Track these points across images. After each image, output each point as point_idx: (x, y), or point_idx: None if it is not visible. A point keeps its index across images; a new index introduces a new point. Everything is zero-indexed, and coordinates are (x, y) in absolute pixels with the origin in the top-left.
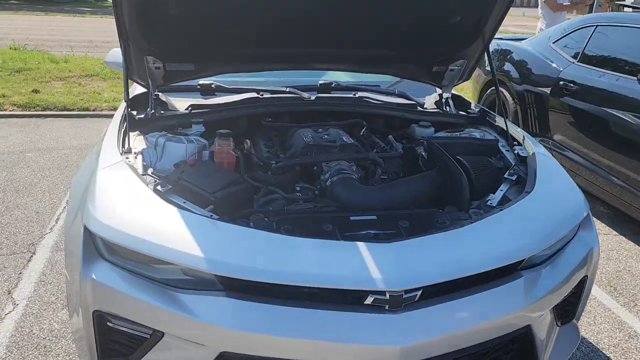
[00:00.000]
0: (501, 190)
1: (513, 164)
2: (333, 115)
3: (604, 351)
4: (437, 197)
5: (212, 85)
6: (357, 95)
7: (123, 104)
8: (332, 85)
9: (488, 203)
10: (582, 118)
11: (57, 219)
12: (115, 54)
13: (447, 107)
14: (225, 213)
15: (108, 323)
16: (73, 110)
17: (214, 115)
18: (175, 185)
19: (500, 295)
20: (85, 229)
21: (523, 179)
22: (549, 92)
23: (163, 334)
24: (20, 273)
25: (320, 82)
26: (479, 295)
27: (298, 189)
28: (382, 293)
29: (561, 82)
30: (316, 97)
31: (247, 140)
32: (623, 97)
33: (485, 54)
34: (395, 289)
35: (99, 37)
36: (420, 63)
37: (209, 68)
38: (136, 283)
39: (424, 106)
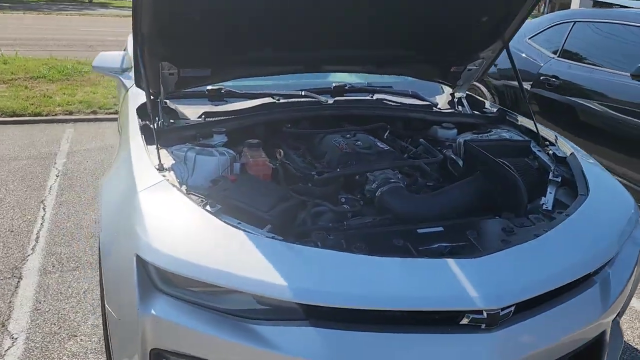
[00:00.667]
0: (550, 192)
1: (551, 164)
2: (352, 118)
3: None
4: (486, 202)
5: (222, 91)
6: (374, 98)
7: (132, 113)
8: (346, 87)
9: (543, 207)
10: (565, 112)
11: (37, 237)
12: (105, 58)
13: (460, 107)
14: (282, 232)
15: None
16: (24, 115)
17: (234, 123)
18: (224, 204)
19: (582, 304)
20: (139, 258)
21: (567, 180)
22: (529, 87)
23: None
24: (10, 302)
25: (334, 84)
26: (564, 305)
27: (343, 200)
28: (479, 312)
29: (542, 77)
30: (334, 101)
31: (280, 149)
32: (606, 91)
33: (507, 53)
34: (493, 307)
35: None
36: (439, 63)
37: (225, 73)
38: (200, 315)
39: (438, 106)
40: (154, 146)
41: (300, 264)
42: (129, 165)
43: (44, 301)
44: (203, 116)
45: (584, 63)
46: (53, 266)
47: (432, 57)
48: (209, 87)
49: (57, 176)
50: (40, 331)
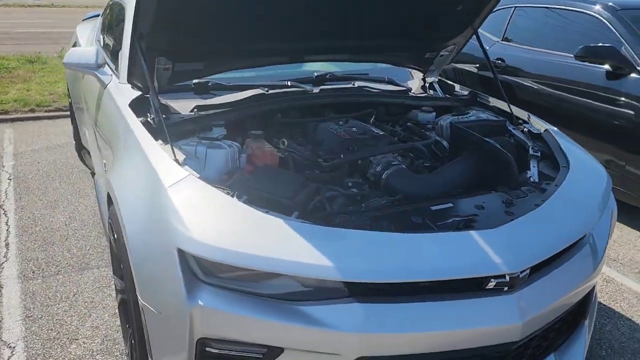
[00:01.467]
0: (534, 166)
1: (527, 141)
2: (338, 106)
3: None
4: (481, 178)
5: (209, 84)
6: (356, 85)
7: (126, 109)
8: (327, 76)
9: (531, 180)
10: (512, 93)
11: (7, 244)
12: (77, 54)
13: (432, 91)
14: (308, 217)
15: (213, 350)
16: None
17: (231, 116)
18: (249, 194)
19: (580, 262)
20: (181, 252)
21: (546, 154)
22: (476, 69)
23: (282, 349)
24: None
25: (315, 73)
26: (565, 265)
27: (350, 184)
28: (503, 276)
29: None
30: (320, 90)
31: (283, 139)
32: (551, 72)
33: (476, 38)
34: (514, 271)
35: None
36: (415, 50)
37: (217, 66)
38: (246, 302)
39: (412, 91)
40: (160, 142)
41: (338, 244)
42: (145, 162)
43: (34, 308)
44: (195, 110)
45: (528, 46)
46: (33, 272)
47: (409, 44)
48: (196, 81)
49: (10, 180)
50: (38, 338)
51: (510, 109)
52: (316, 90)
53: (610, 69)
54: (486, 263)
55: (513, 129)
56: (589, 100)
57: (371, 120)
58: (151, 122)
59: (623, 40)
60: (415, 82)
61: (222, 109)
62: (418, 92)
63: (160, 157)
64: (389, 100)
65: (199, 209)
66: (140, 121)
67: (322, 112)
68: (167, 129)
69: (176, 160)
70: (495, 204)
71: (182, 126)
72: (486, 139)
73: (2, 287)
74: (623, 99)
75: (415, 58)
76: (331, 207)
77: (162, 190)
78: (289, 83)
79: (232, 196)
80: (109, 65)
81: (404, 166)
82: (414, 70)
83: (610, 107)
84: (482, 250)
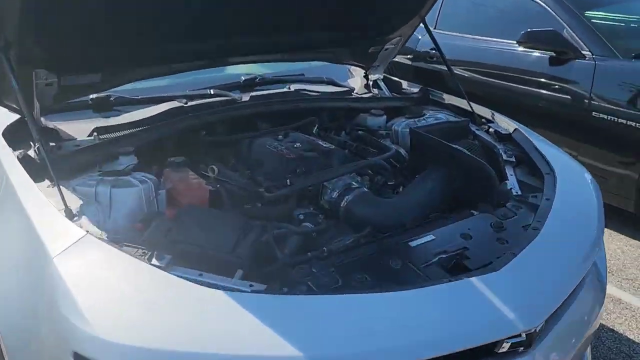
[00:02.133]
0: (511, 175)
1: (495, 143)
2: (273, 115)
3: None
4: (454, 195)
5: (111, 99)
6: (292, 89)
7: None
8: (257, 79)
9: (513, 193)
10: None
11: None
12: None
13: (377, 90)
14: (256, 275)
15: None
16: None
17: (141, 139)
18: (173, 251)
19: (589, 295)
20: (79, 357)
21: (521, 158)
22: (410, 60)
23: None
24: None
25: (243, 77)
26: (576, 303)
27: (301, 217)
28: (518, 335)
29: (422, 50)
30: (250, 97)
31: (212, 166)
32: (491, 60)
33: (425, 27)
34: (531, 327)
35: None
36: (356, 44)
37: (119, 76)
38: None
39: (355, 92)
40: (47, 183)
41: (303, 322)
42: (22, 218)
43: None
44: (95, 134)
45: (466, 34)
46: None
47: (348, 38)
48: (93, 96)
49: None
50: None
51: (471, 107)
52: (245, 97)
53: (554, 55)
54: (497, 323)
55: (476, 129)
56: (535, 89)
57: (314, 130)
58: (34, 156)
59: (564, 24)
60: (356, 80)
61: (130, 130)
62: (362, 92)
63: (44, 209)
64: (332, 104)
65: (102, 288)
66: (18, 156)
67: (255, 125)
68: (57, 163)
69: (67, 212)
70: (483, 229)
71: (78, 157)
72: (454, 145)
73: None
74: (570, 85)
75: (357, 53)
76: (283, 253)
77: (47, 262)
78: (211, 91)
79: (150, 259)
80: None
81: (365, 189)
82: (353, 67)
83: (558, 95)
84: (488, 305)
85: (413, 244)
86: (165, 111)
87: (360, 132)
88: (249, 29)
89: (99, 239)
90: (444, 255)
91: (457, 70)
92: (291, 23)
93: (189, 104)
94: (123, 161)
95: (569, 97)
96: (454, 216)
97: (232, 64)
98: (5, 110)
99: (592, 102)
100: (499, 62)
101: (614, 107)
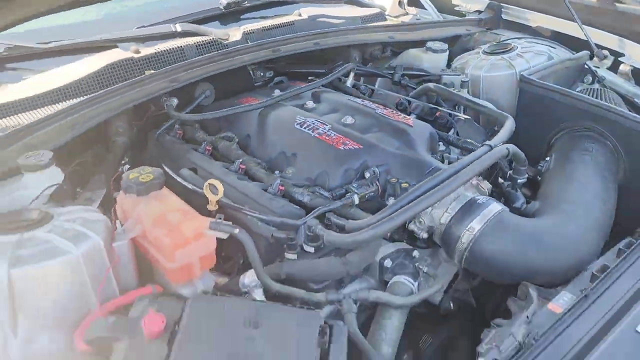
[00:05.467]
0: None
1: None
2: (282, 62)
3: None
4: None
5: (1, 51)
6: (303, 16)
7: None
8: (246, 3)
9: None
10: None
11: None
12: None
13: (413, 9)
14: None
15: None
16: None
17: (64, 128)
18: None
19: None
20: None
21: None
22: None
23: None
24: None
25: (222, 1)
26: None
27: (389, 264)
28: None
29: None
30: (243, 35)
31: (213, 181)
32: None
33: None
34: None
35: None
36: None
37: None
38: None
39: (387, 13)
40: None
41: None
42: None
43: None
44: None
45: None
46: None
47: None
48: None
49: None
50: None
51: (585, 31)
52: (234, 35)
53: None
54: None
55: (595, 68)
56: None
57: (349, 82)
58: None
59: None
60: None
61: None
62: (396, 13)
63: None
64: (367, 37)
65: None
66: None
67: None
68: None
69: None
70: None
71: None
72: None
73: None
74: None
75: None
76: None
77: None
78: (177, 27)
79: None
80: None
81: (499, 204)
82: None
83: None
84: None
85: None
86: (103, 69)
87: (431, 86)
88: None
89: None
90: None
91: None
92: None
93: (142, 52)
94: (31, 182)
95: None
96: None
97: None
98: None
99: None
100: None
101: None
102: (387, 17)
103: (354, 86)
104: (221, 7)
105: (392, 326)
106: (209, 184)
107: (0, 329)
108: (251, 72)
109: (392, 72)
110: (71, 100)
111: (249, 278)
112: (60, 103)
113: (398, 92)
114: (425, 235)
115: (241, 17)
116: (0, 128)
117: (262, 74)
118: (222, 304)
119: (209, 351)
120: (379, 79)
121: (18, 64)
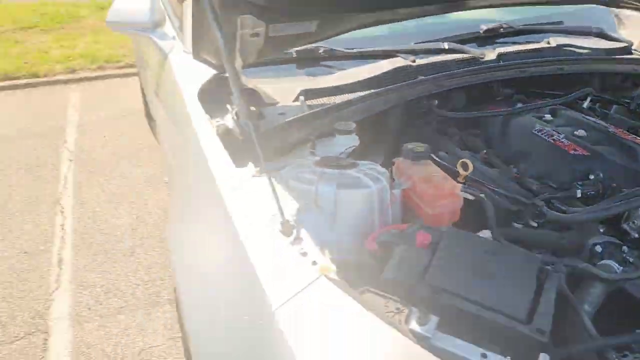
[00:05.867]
0: None
1: None
2: (524, 82)
3: None
4: None
5: (321, 51)
6: (552, 44)
7: (192, 104)
8: (502, 29)
9: None
10: None
11: (60, 260)
12: (124, 9)
13: None
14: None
15: None
16: (19, 78)
17: (361, 108)
18: (441, 310)
19: None
20: None
21: None
22: None
23: None
24: None
25: (483, 26)
26: None
27: (598, 249)
28: None
29: None
30: (498, 56)
31: (466, 160)
32: None
33: None
34: None
35: None
36: None
37: (335, 24)
38: None
39: (633, 47)
40: (251, 168)
41: None
42: (226, 224)
43: None
44: (302, 98)
45: None
46: (89, 309)
47: None
48: (299, 48)
49: (71, 160)
50: None
51: None
52: (490, 55)
53: None
54: None
55: None
56: None
57: (585, 105)
58: (234, 129)
59: None
60: (632, 31)
61: (351, 96)
62: None
63: (254, 225)
64: (609, 67)
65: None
66: (218, 131)
67: (501, 95)
68: (269, 142)
69: (285, 224)
70: None
71: (288, 135)
72: None
73: (48, 335)
74: None
75: None
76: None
77: (268, 317)
78: (445, 45)
79: (408, 320)
80: (171, 23)
81: None
82: (624, 12)
83: None
84: None
85: None
86: (389, 72)
87: None
88: None
89: (333, 282)
90: None
91: None
92: None
93: (417, 62)
94: (341, 141)
95: None
96: None
97: (471, 8)
98: (192, 63)
99: None
100: None
101: None
102: (633, 51)
103: (589, 109)
104: (481, 31)
105: (594, 294)
106: (462, 161)
107: (324, 229)
108: (496, 87)
109: (629, 100)
110: (365, 91)
111: (484, 234)
112: (358, 92)
113: (632, 120)
114: (636, 235)
115: (496, 40)
116: (319, 104)
117: (505, 90)
118: (470, 237)
119: (458, 263)
120: (615, 106)
121: (331, 62)
